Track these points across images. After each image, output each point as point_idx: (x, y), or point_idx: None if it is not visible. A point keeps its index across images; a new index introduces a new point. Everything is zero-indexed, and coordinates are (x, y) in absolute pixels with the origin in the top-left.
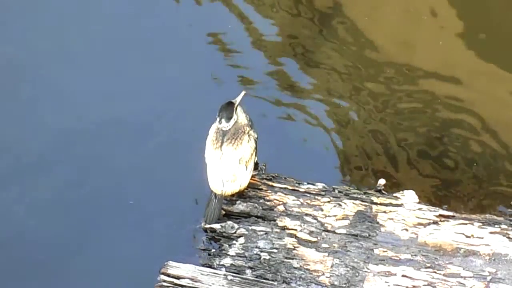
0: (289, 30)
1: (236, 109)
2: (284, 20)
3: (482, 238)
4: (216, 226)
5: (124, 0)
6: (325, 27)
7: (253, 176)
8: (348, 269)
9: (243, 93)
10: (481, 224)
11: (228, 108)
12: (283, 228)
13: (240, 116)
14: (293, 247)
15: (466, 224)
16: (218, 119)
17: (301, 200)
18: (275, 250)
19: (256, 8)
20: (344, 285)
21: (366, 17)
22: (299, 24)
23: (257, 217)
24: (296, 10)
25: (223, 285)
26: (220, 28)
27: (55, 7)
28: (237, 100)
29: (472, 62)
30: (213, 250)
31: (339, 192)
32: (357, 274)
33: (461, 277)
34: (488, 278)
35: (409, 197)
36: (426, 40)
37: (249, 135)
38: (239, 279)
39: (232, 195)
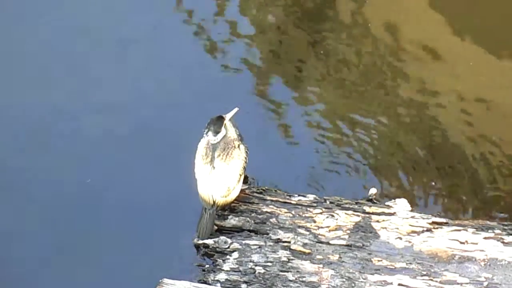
0: (282, 41)
1: (225, 124)
2: (275, 34)
3: (477, 243)
4: (209, 241)
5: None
6: (319, 39)
7: (243, 189)
8: (344, 279)
9: (236, 109)
10: (474, 229)
11: (217, 122)
12: (277, 241)
13: (230, 131)
14: (287, 260)
15: (459, 230)
16: (205, 131)
17: (293, 212)
18: (269, 264)
19: (248, 22)
20: None
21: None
22: (291, 36)
23: (250, 231)
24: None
25: None
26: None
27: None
28: (228, 115)
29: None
30: (207, 266)
31: (331, 203)
32: (353, 285)
33: (458, 283)
34: (485, 283)
35: (401, 205)
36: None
37: (239, 149)
38: None
39: (222, 209)
